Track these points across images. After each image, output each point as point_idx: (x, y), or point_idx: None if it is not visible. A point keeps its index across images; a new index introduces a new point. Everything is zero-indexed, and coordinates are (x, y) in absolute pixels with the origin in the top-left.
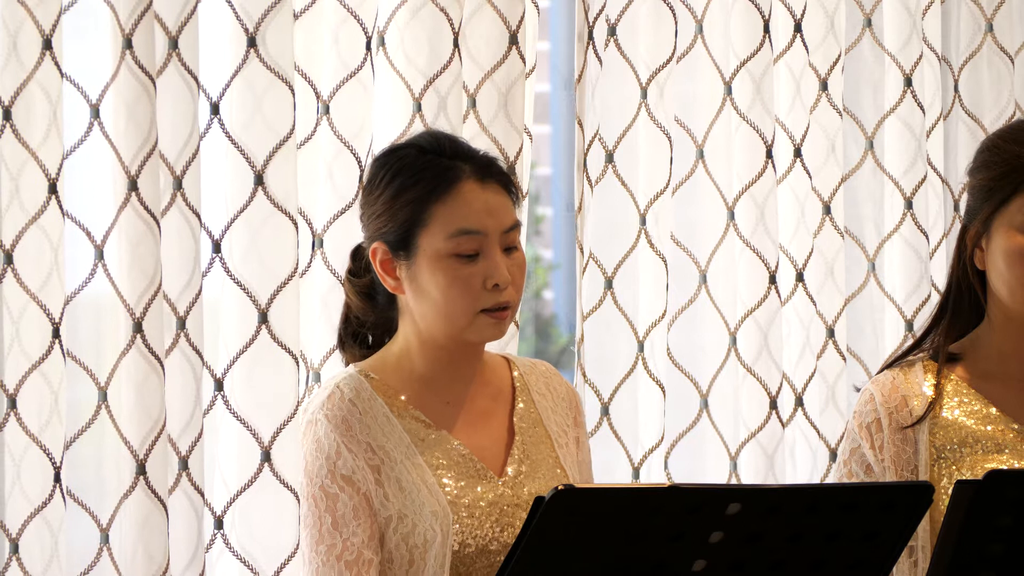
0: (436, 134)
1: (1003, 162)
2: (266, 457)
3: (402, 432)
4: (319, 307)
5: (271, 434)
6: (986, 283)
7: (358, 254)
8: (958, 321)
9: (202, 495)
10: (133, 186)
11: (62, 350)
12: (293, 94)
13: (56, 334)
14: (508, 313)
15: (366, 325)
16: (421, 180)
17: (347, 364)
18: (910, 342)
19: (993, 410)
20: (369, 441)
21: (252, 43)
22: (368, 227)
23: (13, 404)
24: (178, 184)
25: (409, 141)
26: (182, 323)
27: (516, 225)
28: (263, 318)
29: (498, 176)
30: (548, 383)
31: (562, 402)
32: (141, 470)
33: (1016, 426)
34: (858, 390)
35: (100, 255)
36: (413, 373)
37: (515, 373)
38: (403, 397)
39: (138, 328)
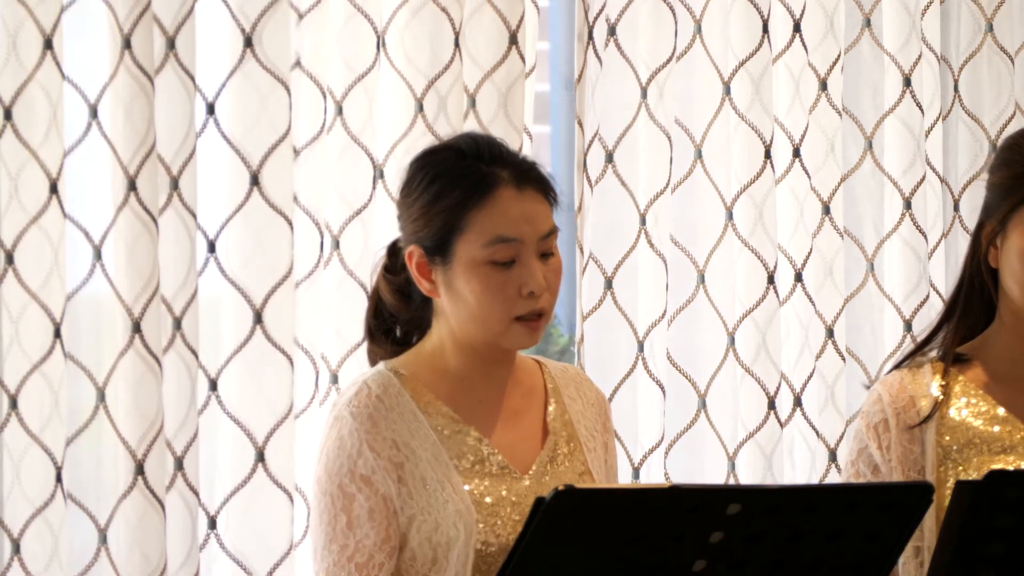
0: (476, 137)
1: (1023, 161)
2: (260, 457)
3: (428, 430)
4: (330, 308)
5: (265, 434)
6: (998, 282)
7: (395, 251)
8: (968, 319)
9: (197, 495)
10: (132, 186)
11: (63, 350)
12: (289, 94)
13: (57, 334)
14: (542, 321)
15: (398, 321)
16: (459, 186)
17: (373, 361)
18: (921, 338)
19: (1001, 411)
20: (394, 438)
21: (249, 43)
22: (405, 229)
23: (14, 404)
24: (174, 184)
25: (448, 143)
26: (178, 323)
27: (553, 231)
28: (258, 318)
29: (536, 182)
30: (578, 387)
31: (592, 407)
32: (139, 470)
33: None
34: (868, 388)
35: (98, 255)
36: (447, 371)
37: (547, 375)
38: (433, 393)
39: (136, 328)
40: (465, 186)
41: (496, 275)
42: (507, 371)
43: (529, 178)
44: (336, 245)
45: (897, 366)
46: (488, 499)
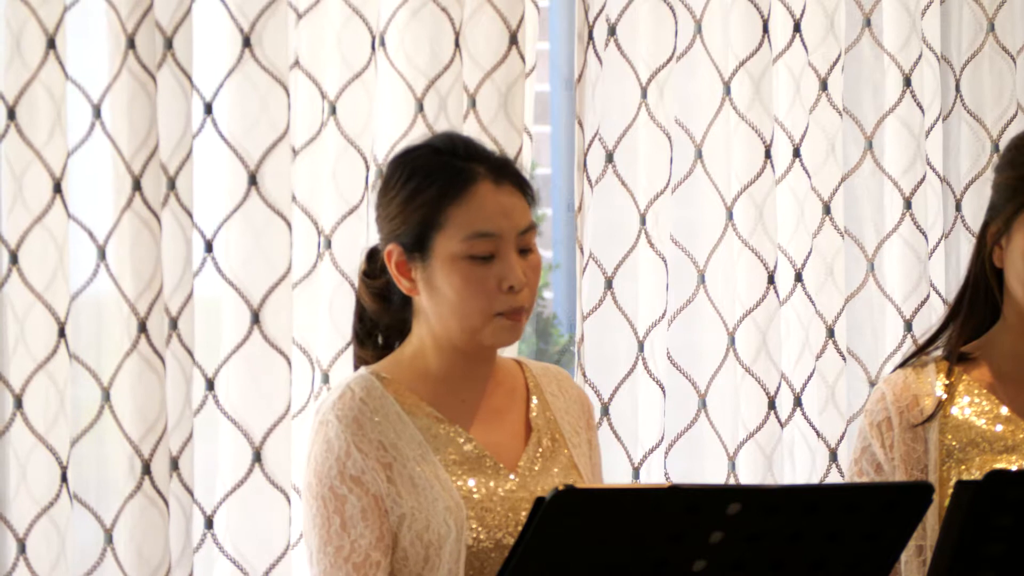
0: (451, 135)
1: None
2: (257, 457)
3: (414, 430)
4: (326, 307)
5: (262, 434)
6: (1003, 282)
7: (373, 256)
8: (973, 318)
9: (192, 495)
10: (137, 186)
11: (67, 350)
12: (288, 94)
13: (62, 334)
14: (523, 316)
15: (379, 326)
16: (435, 182)
17: (357, 366)
18: (926, 337)
19: (1004, 410)
20: (381, 439)
21: (247, 43)
22: (383, 228)
23: (19, 404)
24: (171, 184)
25: (424, 142)
26: (174, 323)
27: (532, 227)
28: (255, 318)
29: (513, 177)
30: (560, 385)
31: (575, 404)
32: (146, 470)
33: None
34: (873, 385)
35: (102, 255)
36: (428, 372)
37: (528, 374)
38: (416, 395)
39: (142, 328)
40: (442, 181)
41: (475, 270)
42: (488, 370)
43: (506, 173)
44: (328, 245)
45: (902, 365)
46: (477, 495)
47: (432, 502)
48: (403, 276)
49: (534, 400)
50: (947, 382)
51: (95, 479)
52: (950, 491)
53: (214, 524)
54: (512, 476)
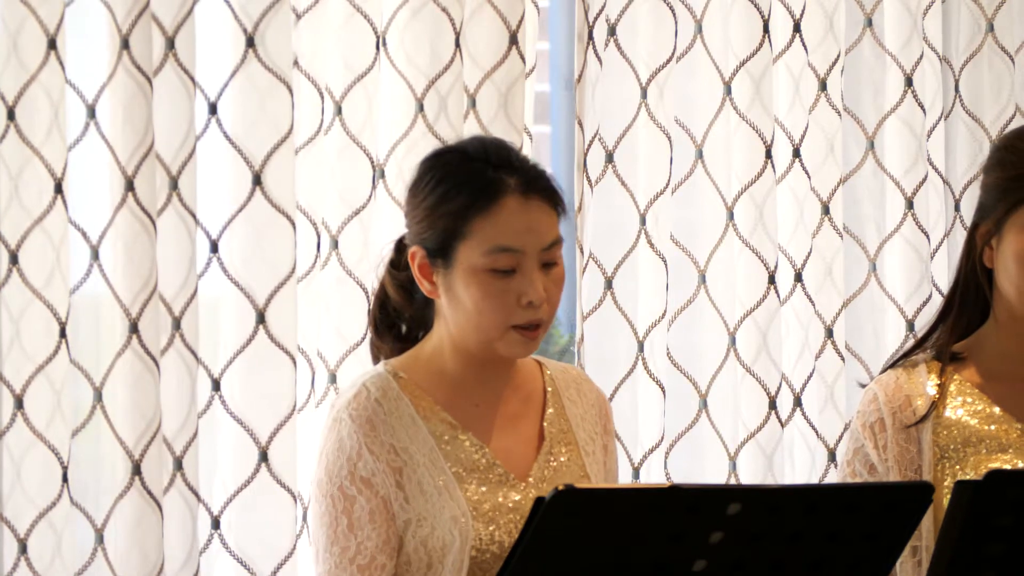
0: (485, 140)
1: (1020, 163)
2: (263, 457)
3: (427, 435)
4: (330, 307)
5: (268, 434)
6: (993, 281)
7: (401, 247)
8: (963, 318)
9: (197, 495)
10: (130, 186)
11: (68, 350)
12: (291, 94)
13: (63, 334)
14: (540, 331)
15: (402, 317)
16: (464, 191)
17: (375, 356)
18: (917, 338)
19: (997, 410)
20: (393, 443)
21: (251, 43)
22: (410, 228)
23: (20, 404)
24: (174, 184)
25: (457, 145)
26: (177, 323)
27: (557, 241)
28: (261, 318)
29: (543, 191)
30: (579, 389)
31: (592, 409)
32: (136, 470)
33: (1020, 426)
34: (863, 387)
35: (96, 255)
36: (444, 374)
37: (547, 378)
38: (431, 398)
39: (134, 329)
40: (470, 191)
41: (496, 283)
42: (505, 375)
43: (536, 187)
44: (335, 245)
45: (892, 365)
46: (486, 505)
47: (439, 510)
48: (425, 279)
49: (550, 407)
50: (939, 382)
51: (89, 479)
52: (945, 491)
53: (220, 524)
54: (522, 486)
